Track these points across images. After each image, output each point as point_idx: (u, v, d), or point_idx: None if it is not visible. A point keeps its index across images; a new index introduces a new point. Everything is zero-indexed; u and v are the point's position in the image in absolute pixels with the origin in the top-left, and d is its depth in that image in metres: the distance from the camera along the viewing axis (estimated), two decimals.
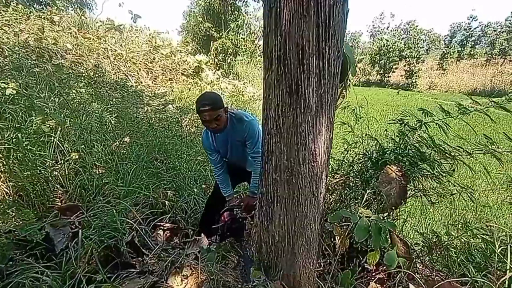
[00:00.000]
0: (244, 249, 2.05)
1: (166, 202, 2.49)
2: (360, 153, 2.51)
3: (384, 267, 1.93)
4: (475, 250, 2.01)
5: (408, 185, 1.95)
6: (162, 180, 3.00)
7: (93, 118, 4.20)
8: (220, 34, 17.41)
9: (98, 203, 2.18)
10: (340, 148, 2.61)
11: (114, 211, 1.96)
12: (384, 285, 1.89)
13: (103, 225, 1.97)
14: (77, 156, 3.07)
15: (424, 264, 2.04)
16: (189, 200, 2.88)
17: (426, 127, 1.97)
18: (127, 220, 2.04)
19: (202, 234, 2.37)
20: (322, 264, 1.88)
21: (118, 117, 4.92)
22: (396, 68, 27.76)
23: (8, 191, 2.23)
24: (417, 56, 26.18)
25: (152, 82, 9.75)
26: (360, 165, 2.43)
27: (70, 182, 2.70)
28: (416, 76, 25.87)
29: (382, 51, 29.17)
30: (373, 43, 33.02)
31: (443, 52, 27.32)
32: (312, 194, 1.43)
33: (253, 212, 2.12)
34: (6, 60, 5.32)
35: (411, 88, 24.67)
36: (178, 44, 13.08)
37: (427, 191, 2.12)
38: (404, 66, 27.44)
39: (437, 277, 1.89)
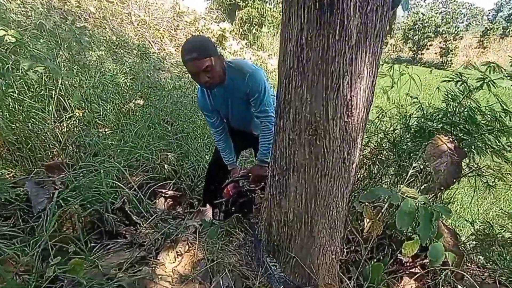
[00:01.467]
0: (253, 228, 1.74)
1: (166, 166, 2.19)
2: (395, 121, 2.09)
3: (422, 261, 1.56)
4: None
5: (462, 161, 1.53)
6: (168, 142, 2.70)
7: (107, 78, 3.95)
8: (246, 2, 16.55)
9: (91, 164, 1.90)
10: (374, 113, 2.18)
11: (102, 172, 1.67)
12: (422, 282, 1.53)
13: (90, 187, 1.70)
14: (81, 114, 2.82)
15: (474, 262, 1.66)
16: (197, 167, 2.58)
17: (491, 85, 1.51)
18: (116, 183, 1.76)
19: (207, 206, 2.08)
20: (345, 251, 1.54)
21: (134, 79, 4.67)
22: (430, 45, 25.82)
23: None
24: (455, 32, 24.12)
25: (175, 50, 9.43)
26: (394, 136, 2.01)
27: (70, 141, 2.46)
28: (452, 54, 23.98)
29: (417, 26, 27.06)
30: (408, 17, 30.65)
31: (486, 28, 24.99)
32: (341, 162, 1.06)
33: (263, 183, 1.78)
34: (28, 20, 5.12)
35: (445, 67, 22.96)
36: (202, 12, 12.63)
37: (482, 170, 1.69)
38: (440, 43, 25.41)
39: (491, 279, 1.51)
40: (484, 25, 26.96)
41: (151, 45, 8.62)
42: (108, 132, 2.81)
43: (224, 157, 1.95)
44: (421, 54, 26.69)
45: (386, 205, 1.53)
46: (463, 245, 1.61)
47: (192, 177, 2.50)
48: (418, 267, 1.59)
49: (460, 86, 1.63)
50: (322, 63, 0.91)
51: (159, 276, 1.29)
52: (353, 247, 1.51)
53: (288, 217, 1.21)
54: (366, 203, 1.60)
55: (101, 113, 3.02)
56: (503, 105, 1.54)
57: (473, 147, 1.59)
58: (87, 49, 5.04)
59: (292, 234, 1.23)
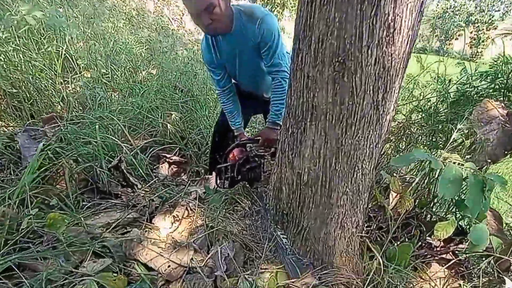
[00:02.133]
0: (261, 196, 1.55)
1: (169, 126, 2.01)
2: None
3: (456, 246, 1.33)
4: None
5: None
6: (176, 106, 2.52)
7: (121, 46, 3.80)
8: None
9: (88, 118, 1.75)
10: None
11: (97, 125, 1.51)
12: (454, 271, 1.31)
13: (85, 142, 1.55)
14: (88, 75, 2.68)
15: None
16: (206, 134, 2.40)
17: None
18: (113, 139, 1.60)
19: (214, 174, 1.90)
20: (364, 228, 1.32)
21: (149, 50, 4.52)
22: (459, 35, 24.36)
23: None
24: (489, 21, 22.58)
25: (195, 29, 9.22)
26: (428, 106, 1.76)
27: (75, 100, 2.32)
28: (483, 45, 22.57)
29: (447, 14, 25.48)
30: (437, 4, 28.90)
31: None
32: (374, 108, 0.84)
33: (274, 148, 1.56)
34: None
35: (475, 59, 21.72)
36: None
37: None
38: (471, 33, 23.88)
39: None
40: None
41: (171, 22, 8.44)
42: (117, 96, 2.67)
43: (231, 121, 1.73)
44: (449, 44, 25.27)
45: (418, 178, 1.30)
46: (508, 232, 1.36)
47: (199, 144, 2.32)
48: (451, 253, 1.36)
49: None
50: None
51: (150, 240, 1.12)
52: (374, 225, 1.29)
53: (302, 179, 1.00)
54: (395, 174, 1.38)
55: (111, 77, 2.88)
56: None
57: None
58: (105, 20, 4.92)
59: (305, 200, 1.03)
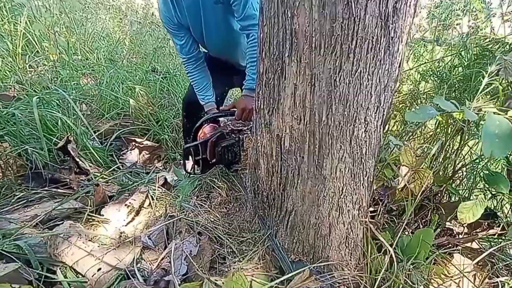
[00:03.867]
0: (241, 180, 1.27)
1: (131, 101, 1.73)
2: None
3: (486, 231, 1.06)
4: None
5: None
6: (147, 83, 2.22)
7: (100, 33, 3.50)
8: None
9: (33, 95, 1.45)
10: None
11: (35, 99, 1.22)
12: (480, 264, 1.03)
13: (30, 121, 1.27)
14: (55, 57, 2.38)
15: None
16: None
17: None
18: (60, 116, 1.32)
19: (190, 159, 1.61)
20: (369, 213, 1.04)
21: (132, 42, 4.21)
22: (457, 24, 24.08)
23: None
24: (487, 8, 22.28)
25: None
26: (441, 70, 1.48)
27: (34, 82, 2.02)
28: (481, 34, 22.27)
29: (444, 3, 25.11)
30: None
31: None
32: (380, 25, 0.56)
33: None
34: None
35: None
36: None
37: None
38: (469, 21, 23.56)
39: None
40: None
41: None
42: (90, 79, 2.38)
43: (200, 95, 1.44)
44: (448, 34, 24.95)
45: (435, 148, 1.03)
46: None
47: (177, 128, 2.03)
48: (476, 241, 1.09)
49: None
50: None
51: (84, 236, 0.84)
52: (382, 208, 1.01)
53: (283, 144, 0.72)
54: (405, 142, 1.10)
55: (84, 63, 2.58)
56: None
57: None
58: (87, 11, 4.62)
59: (288, 174, 0.75)
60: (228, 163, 1.27)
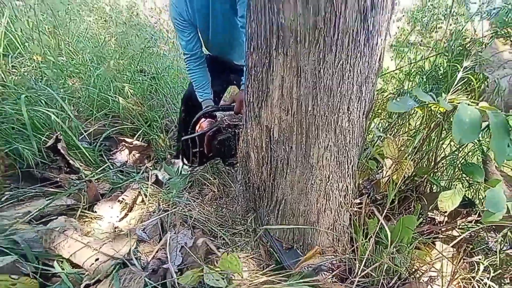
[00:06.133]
0: (233, 175, 1.30)
1: (120, 100, 1.74)
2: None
3: (465, 219, 1.12)
4: None
5: None
6: (135, 85, 2.23)
7: (85, 33, 3.46)
8: None
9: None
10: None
11: (23, 97, 1.22)
12: (462, 250, 1.09)
13: (16, 120, 1.27)
14: (39, 58, 2.36)
15: None
16: (174, 117, 2.14)
17: None
18: (45, 111, 1.32)
19: (180, 158, 1.63)
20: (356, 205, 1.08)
21: (118, 43, 4.19)
22: (439, 28, 24.80)
23: None
24: (466, 13, 23.04)
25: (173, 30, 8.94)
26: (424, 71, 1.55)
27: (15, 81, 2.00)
28: (463, 38, 22.97)
29: (426, 7, 25.83)
30: None
31: (497, 8, 23.82)
32: (360, 19, 0.60)
33: None
34: None
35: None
36: None
37: None
38: (450, 25, 24.29)
39: None
40: (497, 7, 25.84)
41: (147, 18, 8.10)
42: (73, 83, 2.36)
43: (198, 92, 1.50)
44: (430, 37, 25.66)
45: (416, 140, 1.09)
46: None
47: (166, 129, 2.05)
48: (457, 229, 1.15)
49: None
50: None
51: (79, 230, 0.85)
52: (369, 196, 1.06)
53: (272, 135, 0.76)
54: (388, 135, 1.15)
55: (69, 64, 2.56)
56: None
57: None
58: (71, 13, 4.56)
59: (277, 164, 0.78)
60: (223, 156, 1.31)
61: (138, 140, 1.86)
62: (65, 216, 0.91)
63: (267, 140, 0.78)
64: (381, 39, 0.66)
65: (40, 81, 1.96)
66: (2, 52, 2.08)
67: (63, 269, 0.75)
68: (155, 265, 0.79)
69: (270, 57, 0.68)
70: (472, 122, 0.68)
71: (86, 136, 1.55)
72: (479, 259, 0.90)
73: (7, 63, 2.04)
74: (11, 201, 1.06)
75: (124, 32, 4.75)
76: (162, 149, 1.91)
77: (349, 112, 0.68)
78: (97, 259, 0.73)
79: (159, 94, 2.27)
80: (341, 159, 0.74)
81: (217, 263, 0.85)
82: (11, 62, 2.08)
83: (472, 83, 1.01)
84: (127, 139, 1.79)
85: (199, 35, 1.43)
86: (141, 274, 0.66)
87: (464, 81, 0.92)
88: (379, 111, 1.61)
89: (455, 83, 0.87)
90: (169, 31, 7.57)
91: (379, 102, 1.59)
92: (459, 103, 0.75)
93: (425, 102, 0.77)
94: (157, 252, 0.87)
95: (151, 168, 1.77)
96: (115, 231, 0.91)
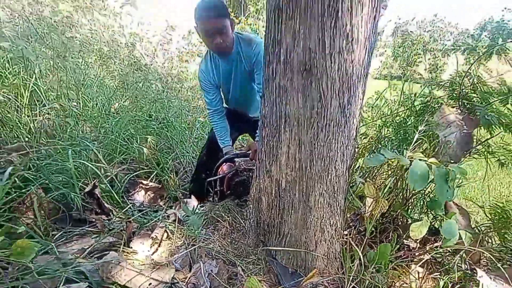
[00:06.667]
0: (241, 213, 1.55)
1: (145, 150, 2.00)
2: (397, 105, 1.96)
3: (432, 245, 1.38)
4: None
5: (473, 133, 1.39)
6: (151, 133, 2.51)
7: (93, 79, 3.78)
8: (239, 19, 16.74)
9: (59, 146, 1.70)
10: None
11: (71, 153, 1.48)
12: (431, 269, 1.34)
13: (56, 170, 1.51)
14: (58, 106, 2.62)
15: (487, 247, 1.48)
16: (183, 160, 2.40)
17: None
18: (87, 164, 1.57)
19: (192, 197, 1.89)
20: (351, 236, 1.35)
21: (122, 85, 4.51)
22: (420, 62, 26.41)
23: None
24: (443, 49, 24.74)
25: (168, 63, 9.44)
26: (398, 119, 1.88)
27: (42, 130, 2.24)
28: (440, 70, 24.53)
29: (406, 43, 27.75)
30: (397, 35, 31.46)
31: (471, 45, 25.67)
32: (340, 112, 0.90)
33: None
34: (16, 27, 4.97)
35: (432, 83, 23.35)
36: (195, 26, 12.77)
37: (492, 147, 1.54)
38: (429, 59, 26.01)
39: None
40: (469, 44, 27.70)
41: (143, 57, 8.57)
42: (89, 126, 2.62)
43: (220, 140, 1.82)
44: (411, 70, 27.23)
45: (390, 182, 1.37)
46: (475, 228, 1.43)
47: (176, 170, 2.30)
48: (428, 253, 1.41)
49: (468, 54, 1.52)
50: None
51: (129, 261, 1.08)
52: (354, 230, 1.32)
53: (280, 185, 1.03)
54: (368, 179, 1.43)
55: (82, 109, 2.83)
56: None
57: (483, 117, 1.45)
58: (75, 56, 4.90)
59: (284, 206, 1.05)
60: (239, 195, 1.58)
61: (152, 181, 2.10)
62: (114, 252, 1.14)
63: (276, 188, 1.05)
64: (356, 120, 0.96)
65: (64, 130, 2.22)
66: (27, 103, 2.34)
67: None
68: None
69: (279, 132, 0.97)
70: (421, 174, 0.97)
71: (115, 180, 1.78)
72: (439, 276, 1.15)
73: (37, 113, 2.30)
74: (61, 239, 1.27)
75: (123, 71, 5.09)
76: (173, 189, 2.15)
77: (336, 169, 0.97)
78: (150, 284, 0.96)
79: (168, 139, 2.55)
80: (332, 202, 1.01)
81: (237, 285, 1.08)
82: (32, 110, 2.35)
83: (431, 139, 1.34)
84: (143, 181, 2.03)
85: (221, 93, 1.77)
86: None
87: (421, 139, 1.23)
88: (363, 151, 1.92)
89: (413, 142, 1.18)
90: (161, 67, 7.95)
91: (362, 145, 1.91)
92: (415, 159, 1.05)
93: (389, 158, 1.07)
94: (189, 278, 1.09)
95: (164, 206, 2.00)
96: (155, 262, 1.14)
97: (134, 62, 7.60)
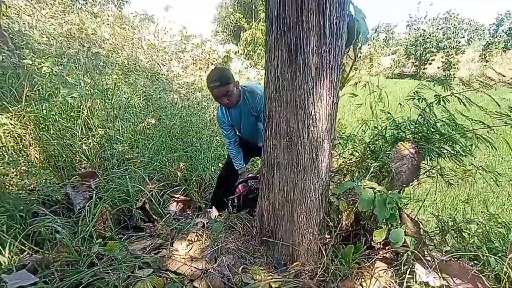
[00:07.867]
0: (250, 221, 2.09)
1: (179, 173, 2.57)
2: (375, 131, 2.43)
3: (393, 246, 1.87)
4: (495, 235, 1.88)
5: (421, 163, 1.86)
6: (179, 155, 3.09)
7: (122, 100, 4.40)
8: (250, 25, 17.34)
9: (117, 172, 2.29)
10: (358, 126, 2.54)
11: (128, 177, 2.05)
12: (390, 265, 1.83)
13: (117, 190, 2.08)
14: (103, 132, 3.24)
15: (436, 247, 1.95)
16: (204, 176, 2.95)
17: (445, 102, 1.86)
18: (139, 186, 2.14)
19: (213, 207, 2.44)
20: (327, 239, 1.86)
21: (146, 101, 5.12)
22: (433, 60, 26.16)
23: (38, 156, 2.41)
24: (457, 47, 24.46)
25: (183, 71, 10.07)
26: (375, 146, 2.36)
27: (94, 155, 2.86)
28: (454, 68, 24.26)
29: (418, 42, 27.55)
30: (409, 34, 31.26)
31: (487, 42, 25.26)
32: (311, 162, 1.42)
33: None
34: (51, 48, 5.69)
35: (449, 80, 23.19)
36: (209, 35, 13.37)
37: (444, 172, 2.01)
38: (442, 57, 25.76)
39: (448, 259, 1.80)
40: (485, 39, 27.18)
41: (160, 67, 9.23)
42: (126, 148, 3.22)
43: (235, 163, 2.39)
44: (424, 68, 27.04)
45: (358, 202, 1.86)
46: (427, 234, 1.91)
47: (199, 185, 2.86)
48: (389, 252, 1.89)
49: (420, 102, 1.99)
50: (292, 89, 1.29)
51: (176, 256, 1.63)
52: (334, 235, 1.83)
53: (275, 206, 1.56)
54: (342, 198, 1.93)
55: (120, 131, 3.44)
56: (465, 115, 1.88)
57: (432, 151, 1.92)
58: (103, 74, 5.55)
59: (278, 220, 1.57)
60: (251, 208, 2.12)
61: (182, 195, 2.67)
62: (166, 250, 1.69)
63: (272, 208, 1.58)
64: (325, 163, 1.47)
65: (113, 155, 2.82)
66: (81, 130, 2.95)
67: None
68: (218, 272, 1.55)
69: (273, 172, 1.50)
70: (368, 199, 1.46)
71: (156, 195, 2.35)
72: (388, 268, 1.65)
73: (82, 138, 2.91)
74: (126, 241, 1.84)
75: (145, 85, 5.64)
76: (198, 200, 2.71)
77: (310, 196, 1.48)
78: (191, 270, 1.50)
79: (192, 159, 3.12)
80: (309, 217, 1.53)
81: (247, 273, 1.61)
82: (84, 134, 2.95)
83: (387, 168, 1.83)
84: (175, 195, 2.60)
85: (235, 129, 2.31)
86: (217, 275, 1.43)
87: (377, 170, 1.73)
88: (352, 168, 2.41)
89: (368, 175, 1.68)
90: (178, 78, 8.45)
91: (348, 162, 2.40)
92: (366, 187, 1.55)
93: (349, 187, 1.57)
94: (215, 267, 1.63)
95: (190, 214, 2.56)
96: (191, 256, 1.68)
97: (153, 73, 8.25)
